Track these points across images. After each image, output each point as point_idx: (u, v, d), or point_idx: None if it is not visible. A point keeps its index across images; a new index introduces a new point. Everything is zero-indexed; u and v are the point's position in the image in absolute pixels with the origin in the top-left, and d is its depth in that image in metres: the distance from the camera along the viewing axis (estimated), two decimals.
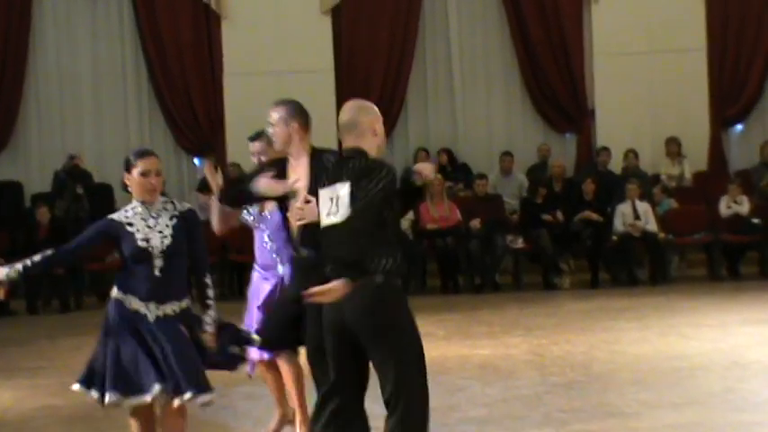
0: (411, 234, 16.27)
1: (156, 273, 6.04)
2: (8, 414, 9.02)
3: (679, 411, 8.02)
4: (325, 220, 5.67)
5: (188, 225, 6.13)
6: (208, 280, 6.16)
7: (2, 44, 18.37)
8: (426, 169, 5.84)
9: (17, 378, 10.65)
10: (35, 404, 9.35)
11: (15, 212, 17.74)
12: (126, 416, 8.56)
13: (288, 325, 6.78)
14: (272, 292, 7.29)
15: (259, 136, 7.37)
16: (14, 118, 18.53)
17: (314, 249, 6.18)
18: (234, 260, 16.40)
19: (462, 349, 11.12)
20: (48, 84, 18.78)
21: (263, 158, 7.22)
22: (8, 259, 15.94)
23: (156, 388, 5.89)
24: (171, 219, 6.12)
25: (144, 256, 6.04)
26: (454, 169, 18.39)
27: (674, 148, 18.27)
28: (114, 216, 6.26)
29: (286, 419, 7.62)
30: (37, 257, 6.31)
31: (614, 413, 7.95)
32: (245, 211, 7.44)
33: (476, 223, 16.36)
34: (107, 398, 6.12)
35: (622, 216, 16.40)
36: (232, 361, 6.28)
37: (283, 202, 6.63)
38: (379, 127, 5.88)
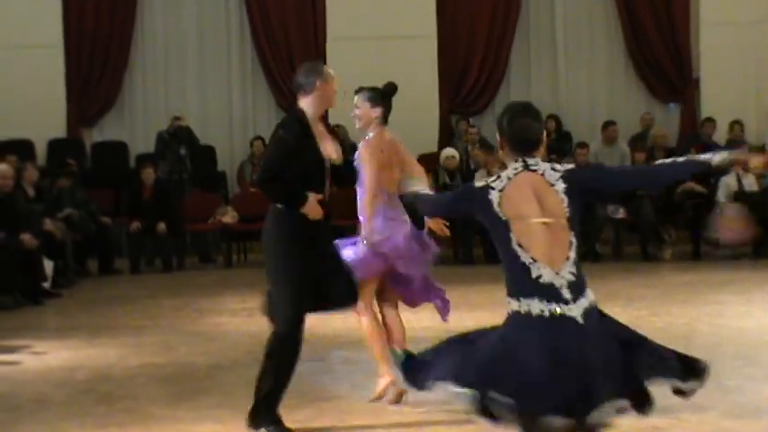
0: None
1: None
2: (112, 370, 9.18)
3: None
4: None
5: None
6: None
7: (110, 7, 18.60)
8: (754, 161, 5.56)
9: (121, 336, 10.84)
10: (138, 362, 9.51)
11: (121, 172, 18.01)
12: (224, 374, 8.70)
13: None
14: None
15: (360, 90, 7.90)
16: (120, 79, 18.79)
17: None
18: (335, 225, 16.46)
19: None
20: (153, 46, 19.00)
21: (357, 111, 7.78)
22: (112, 218, 16.40)
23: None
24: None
25: None
26: (558, 137, 18.24)
27: None
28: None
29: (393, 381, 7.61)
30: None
31: (717, 387, 7.83)
32: None
33: None
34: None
35: (727, 188, 16.15)
36: None
37: None
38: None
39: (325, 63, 18.16)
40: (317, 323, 10.84)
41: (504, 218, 4.67)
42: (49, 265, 13.81)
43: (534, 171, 4.78)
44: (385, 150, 7.63)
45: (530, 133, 4.83)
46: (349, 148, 17.76)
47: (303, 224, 6.83)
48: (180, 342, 10.39)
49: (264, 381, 6.81)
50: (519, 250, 4.64)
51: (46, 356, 9.89)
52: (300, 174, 6.83)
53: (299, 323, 6.77)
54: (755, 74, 18.26)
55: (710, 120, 17.95)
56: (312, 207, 6.85)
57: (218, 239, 17.20)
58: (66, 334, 11.11)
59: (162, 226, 15.98)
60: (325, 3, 18.55)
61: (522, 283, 4.62)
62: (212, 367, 9.20)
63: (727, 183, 16.18)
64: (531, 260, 4.62)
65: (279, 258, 6.82)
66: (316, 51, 18.61)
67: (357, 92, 7.84)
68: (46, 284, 13.66)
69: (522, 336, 4.55)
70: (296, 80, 7.05)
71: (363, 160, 7.58)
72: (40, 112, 18.14)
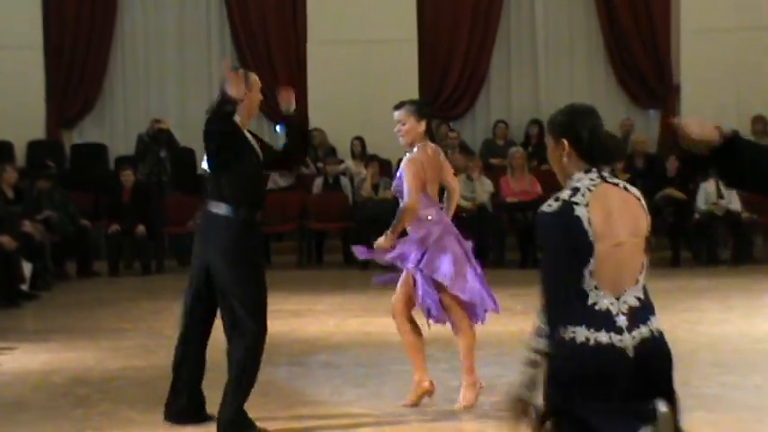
0: (490, 207, 16.23)
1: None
2: (90, 373, 9.15)
3: (762, 394, 7.93)
4: None
5: None
6: None
7: (90, 9, 18.53)
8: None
9: (100, 339, 10.81)
10: (117, 365, 9.48)
11: (100, 174, 17.95)
12: (210, 376, 8.67)
13: None
14: None
15: (402, 105, 7.61)
16: (100, 81, 18.73)
17: None
18: (313, 228, 16.48)
19: None
20: (133, 48, 18.95)
21: (402, 127, 7.53)
22: (92, 220, 16.34)
23: None
24: None
25: None
26: (539, 142, 18.26)
27: (759, 126, 18.00)
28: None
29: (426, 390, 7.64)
30: None
31: (695, 394, 7.85)
32: None
33: None
34: None
35: (706, 194, 16.20)
36: None
37: None
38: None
39: (305, 67, 18.37)
40: (297, 328, 10.86)
41: (591, 238, 4.17)
42: (27, 267, 13.75)
43: (615, 184, 4.33)
44: (428, 166, 7.53)
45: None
46: (329, 151, 17.85)
47: (252, 231, 6.95)
48: (159, 345, 10.34)
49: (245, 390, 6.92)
50: (587, 275, 4.18)
51: (23, 359, 9.85)
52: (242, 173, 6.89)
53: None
54: (736, 81, 18.32)
55: None
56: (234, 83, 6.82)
57: None
58: (44, 336, 11.06)
59: (141, 228, 15.94)
60: (306, 6, 18.54)
61: (574, 308, 4.19)
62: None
63: (707, 190, 16.23)
64: (593, 286, 4.17)
65: (246, 269, 6.93)
66: (296, 55, 18.61)
67: (397, 107, 7.61)
68: (24, 286, 13.60)
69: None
70: (221, 86, 6.98)
71: (407, 180, 7.43)
72: (20, 114, 18.06)
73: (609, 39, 18.74)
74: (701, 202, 16.20)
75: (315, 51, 18.46)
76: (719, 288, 13.45)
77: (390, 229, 7.43)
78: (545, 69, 19.02)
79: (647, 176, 16.73)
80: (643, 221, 4.36)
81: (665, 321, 9.84)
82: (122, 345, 10.47)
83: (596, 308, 4.17)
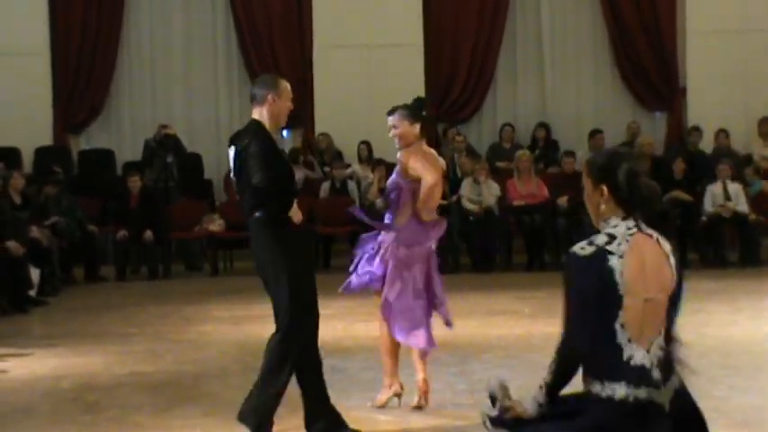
0: (497, 210, 16.24)
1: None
2: (98, 379, 9.15)
3: None
4: None
5: None
6: None
7: (97, 15, 18.56)
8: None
9: (107, 344, 10.81)
10: (124, 370, 9.48)
11: (107, 180, 17.97)
12: (211, 383, 8.68)
13: None
14: None
15: (395, 110, 7.66)
16: (107, 87, 18.75)
17: None
18: (320, 232, 16.48)
19: (548, 327, 11.02)
20: (140, 54, 18.97)
21: (396, 131, 7.61)
22: (99, 225, 16.36)
23: None
24: None
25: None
26: (546, 146, 18.28)
27: (766, 128, 18.00)
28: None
29: (395, 392, 7.72)
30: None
31: (702, 396, 7.79)
32: None
33: (563, 201, 16.26)
34: None
35: (713, 196, 16.20)
36: None
37: None
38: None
39: (311, 71, 18.37)
40: None
41: (621, 291, 4.13)
42: (35, 273, 13.77)
43: (650, 236, 4.30)
44: (427, 161, 7.62)
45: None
46: (336, 156, 17.86)
47: (294, 233, 6.88)
48: (166, 350, 10.37)
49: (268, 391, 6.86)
50: (619, 329, 4.15)
51: (32, 365, 9.86)
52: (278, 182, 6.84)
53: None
54: (742, 83, 18.31)
55: (697, 129, 17.99)
56: (296, 211, 6.84)
57: (205, 247, 17.18)
58: (52, 342, 11.07)
59: (148, 234, 15.96)
60: (311, 11, 18.56)
61: (610, 364, 4.14)
62: (199, 375, 9.18)
63: (714, 192, 16.22)
64: (626, 339, 4.14)
65: (284, 272, 6.81)
66: (302, 59, 18.62)
67: (390, 113, 7.68)
68: (32, 292, 13.63)
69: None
70: (251, 91, 7.01)
71: (416, 167, 7.51)
72: (27, 120, 18.10)
73: (615, 41, 18.73)
74: (708, 204, 16.19)
75: (321, 56, 18.48)
76: (727, 290, 13.43)
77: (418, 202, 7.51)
78: (551, 72, 19.01)
79: (653, 178, 16.58)
80: (669, 277, 4.30)
81: None
82: (130, 350, 10.48)
83: (632, 363, 4.14)
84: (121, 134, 19.00)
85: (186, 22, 18.99)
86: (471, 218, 16.09)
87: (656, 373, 4.16)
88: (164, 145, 17.16)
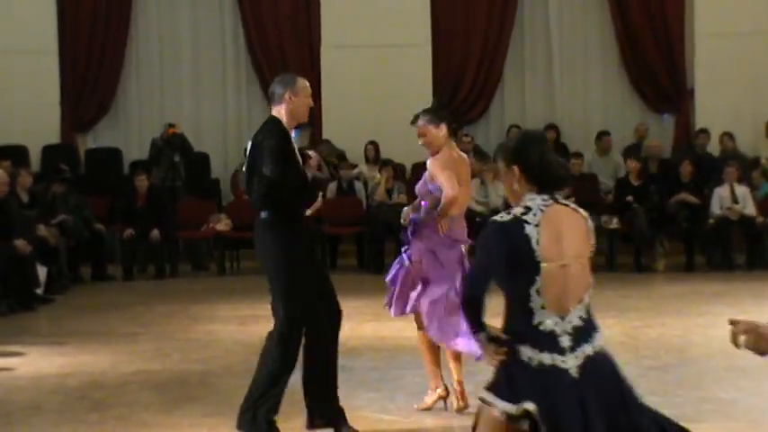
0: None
1: None
2: (105, 377, 9.17)
3: None
4: None
5: None
6: None
7: (105, 13, 18.56)
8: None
9: (114, 343, 10.83)
10: (131, 369, 9.50)
11: (114, 179, 17.99)
12: (218, 382, 8.69)
13: None
14: None
15: (417, 118, 7.64)
16: (115, 85, 18.76)
17: None
18: (327, 233, 16.48)
19: None
20: (147, 53, 18.98)
21: (424, 140, 7.60)
22: (106, 224, 16.38)
23: None
24: None
25: None
26: (555, 148, 18.24)
27: None
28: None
29: (440, 395, 7.72)
30: None
31: (709, 398, 7.86)
32: None
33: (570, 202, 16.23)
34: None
35: (720, 199, 16.18)
36: None
37: None
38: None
39: (319, 71, 18.38)
40: None
41: (538, 258, 4.33)
42: (42, 271, 13.79)
43: (566, 205, 4.52)
44: (453, 168, 7.54)
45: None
46: (342, 156, 17.86)
47: (301, 235, 6.89)
48: (173, 349, 10.38)
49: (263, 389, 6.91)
50: (534, 294, 4.35)
51: (39, 363, 9.87)
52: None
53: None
54: (750, 85, 18.28)
55: (705, 131, 17.97)
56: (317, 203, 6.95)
57: (212, 247, 17.19)
58: (59, 340, 11.10)
59: (155, 233, 15.97)
60: (319, 10, 18.56)
61: (521, 327, 4.37)
62: (205, 374, 9.19)
63: (721, 194, 16.21)
64: (539, 306, 4.34)
65: (283, 273, 6.84)
66: (310, 59, 18.61)
67: (413, 121, 7.65)
68: (39, 290, 13.64)
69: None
70: (270, 89, 7.08)
71: (440, 175, 7.45)
72: (35, 118, 18.11)
73: (623, 43, 18.71)
74: (716, 207, 16.17)
75: (329, 56, 18.47)
76: (734, 293, 13.42)
77: (437, 213, 7.45)
78: (559, 73, 18.99)
79: (661, 181, 16.71)
80: (586, 240, 4.50)
81: (680, 326, 9.84)
82: (137, 348, 10.50)
83: (541, 328, 4.34)
84: (129, 133, 19.00)
85: (194, 21, 18.99)
86: (478, 219, 16.07)
87: (565, 341, 4.34)
88: (171, 144, 17.16)
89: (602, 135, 17.98)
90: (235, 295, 13.88)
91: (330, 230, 16.53)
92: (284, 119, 6.95)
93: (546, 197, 4.46)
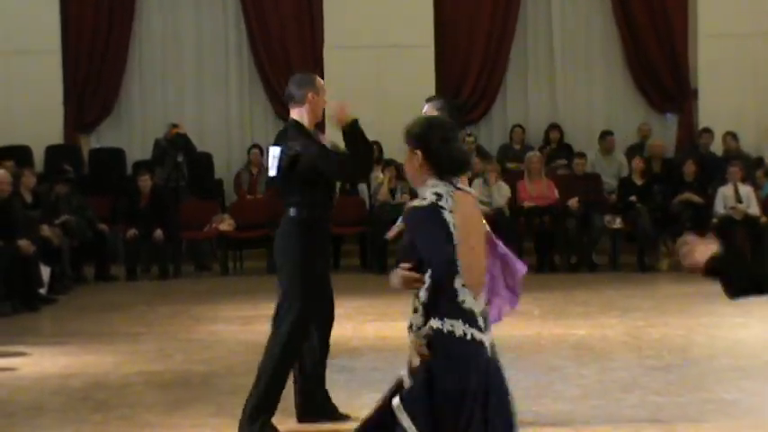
0: (507, 211, 16.22)
1: None
2: (108, 377, 9.17)
3: None
4: None
5: None
6: None
7: (108, 14, 18.58)
8: None
9: (117, 343, 10.83)
10: (134, 369, 9.50)
11: (117, 179, 18.00)
12: (220, 382, 8.69)
13: None
14: None
15: (431, 99, 7.60)
16: (118, 86, 18.77)
17: None
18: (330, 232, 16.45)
19: (557, 329, 11.06)
20: (150, 53, 18.98)
21: None
22: (109, 224, 16.39)
23: None
24: None
25: None
26: (559, 147, 18.24)
27: None
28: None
29: None
30: None
31: (713, 399, 7.85)
32: None
33: (573, 202, 16.25)
34: None
35: (724, 199, 16.16)
36: None
37: None
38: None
39: (322, 72, 18.38)
40: None
41: (456, 241, 4.55)
42: (45, 272, 13.80)
43: (467, 192, 4.76)
44: None
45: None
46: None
47: (325, 236, 6.95)
48: (176, 349, 10.38)
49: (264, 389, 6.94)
50: (455, 276, 4.55)
51: (42, 363, 9.88)
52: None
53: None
54: (753, 85, 18.26)
55: (708, 131, 17.95)
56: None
57: (215, 247, 17.19)
58: (62, 340, 11.10)
59: (158, 233, 15.97)
60: (322, 11, 18.55)
61: (449, 303, 4.53)
62: (208, 375, 9.19)
63: (725, 194, 16.19)
64: (461, 284, 4.54)
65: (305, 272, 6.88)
66: (313, 60, 18.60)
67: (429, 99, 7.66)
68: (42, 290, 13.65)
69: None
70: (287, 91, 7.06)
71: None
72: (38, 119, 18.12)
73: (626, 43, 18.69)
74: (720, 207, 16.16)
75: (331, 56, 18.46)
76: None
77: None
78: (562, 73, 18.98)
79: (664, 181, 16.71)
80: (482, 226, 4.88)
81: (683, 326, 9.81)
82: (140, 349, 10.50)
83: (464, 306, 4.56)
84: (132, 133, 19.00)
85: (197, 22, 18.99)
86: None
87: (480, 321, 4.58)
88: (174, 144, 17.17)
89: (606, 135, 17.97)
90: (238, 295, 13.88)
91: (333, 230, 16.49)
92: (305, 119, 6.99)
93: (446, 184, 4.64)
